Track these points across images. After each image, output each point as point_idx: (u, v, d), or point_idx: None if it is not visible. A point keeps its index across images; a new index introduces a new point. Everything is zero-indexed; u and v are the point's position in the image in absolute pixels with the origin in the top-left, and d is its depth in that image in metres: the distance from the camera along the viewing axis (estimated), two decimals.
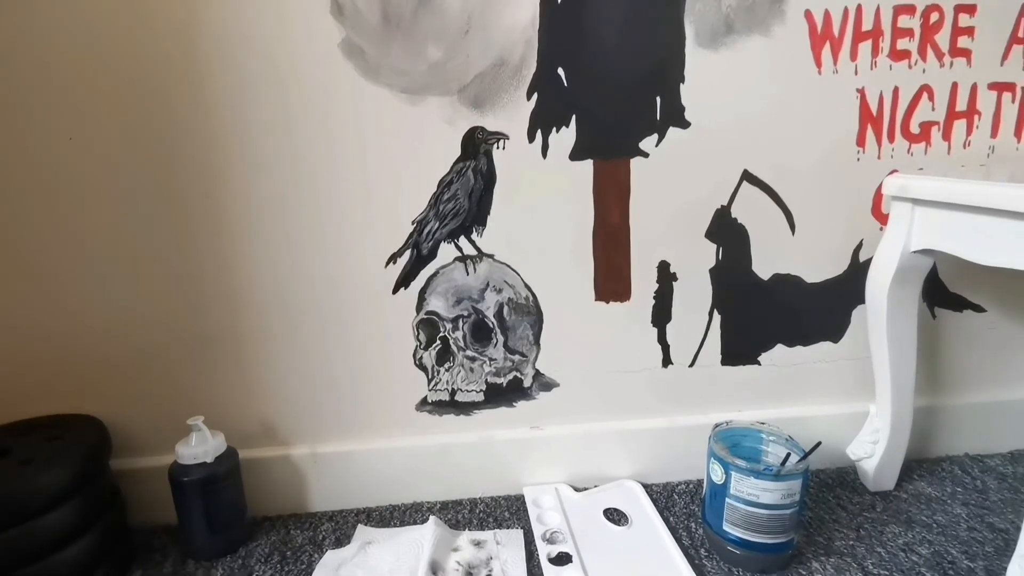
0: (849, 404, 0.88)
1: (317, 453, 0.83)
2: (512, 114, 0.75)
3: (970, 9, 0.77)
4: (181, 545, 0.76)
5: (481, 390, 0.84)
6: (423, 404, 0.84)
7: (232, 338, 0.79)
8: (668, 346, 0.85)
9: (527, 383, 0.85)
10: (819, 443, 0.72)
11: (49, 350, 0.77)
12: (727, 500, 0.68)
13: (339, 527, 0.80)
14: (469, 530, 0.78)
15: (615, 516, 0.79)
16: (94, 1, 0.68)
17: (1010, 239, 0.59)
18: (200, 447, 0.73)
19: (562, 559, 0.71)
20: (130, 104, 0.71)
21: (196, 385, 0.80)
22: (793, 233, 0.82)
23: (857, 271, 0.84)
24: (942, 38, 0.78)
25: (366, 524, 0.80)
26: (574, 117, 0.76)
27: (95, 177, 0.73)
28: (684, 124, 0.77)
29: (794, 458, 0.70)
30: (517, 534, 0.77)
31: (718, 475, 0.69)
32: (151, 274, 0.76)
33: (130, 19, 0.69)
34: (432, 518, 0.77)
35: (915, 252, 0.72)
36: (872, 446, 0.83)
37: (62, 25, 0.69)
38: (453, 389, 0.84)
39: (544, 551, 0.73)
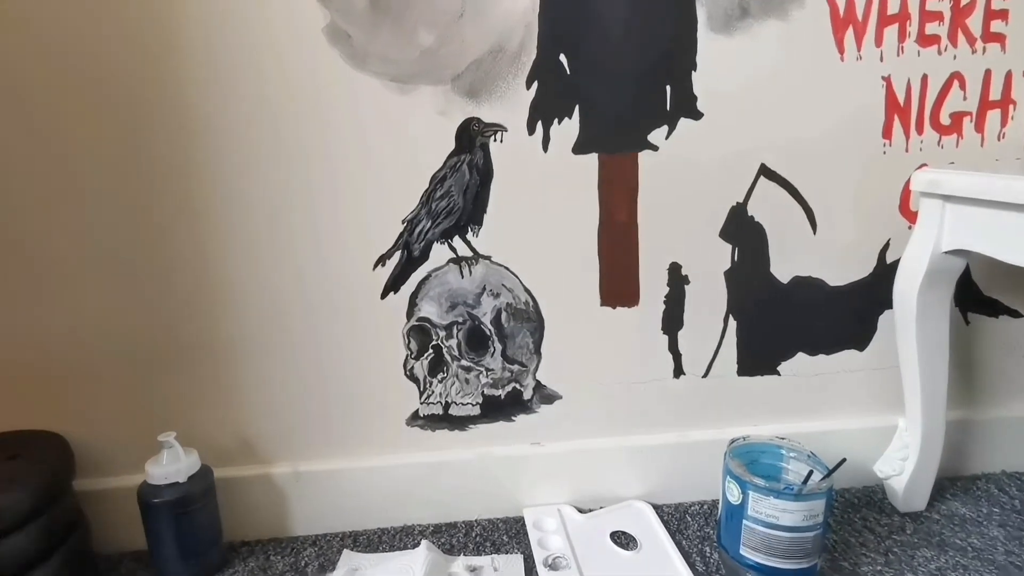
0: (876, 417, 0.89)
1: (299, 472, 0.83)
2: (510, 104, 0.76)
3: None
4: (151, 572, 0.76)
5: (477, 403, 0.85)
6: (414, 418, 0.84)
7: (207, 347, 0.79)
8: (680, 355, 0.85)
9: (527, 395, 0.85)
10: (844, 460, 0.72)
11: (8, 361, 0.77)
12: (744, 522, 0.68)
13: (323, 552, 0.80)
14: (464, 555, 0.78)
15: (623, 540, 0.80)
16: None
17: None
18: (172, 466, 0.73)
19: None
20: (98, 97, 0.71)
21: (168, 398, 0.80)
22: (815, 232, 0.83)
23: (884, 273, 0.84)
24: (974, 22, 0.78)
25: (352, 549, 0.81)
26: (577, 108, 0.77)
27: (57, 174, 0.73)
28: (696, 115, 0.78)
29: (817, 476, 0.70)
30: (516, 560, 0.77)
31: (734, 495, 0.70)
32: (119, 278, 0.76)
33: (100, 7, 0.69)
34: (424, 542, 0.78)
35: (946, 253, 0.73)
36: (901, 463, 0.83)
37: (25, 13, 0.69)
38: (447, 402, 0.84)
39: None
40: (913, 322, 0.76)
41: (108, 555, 0.79)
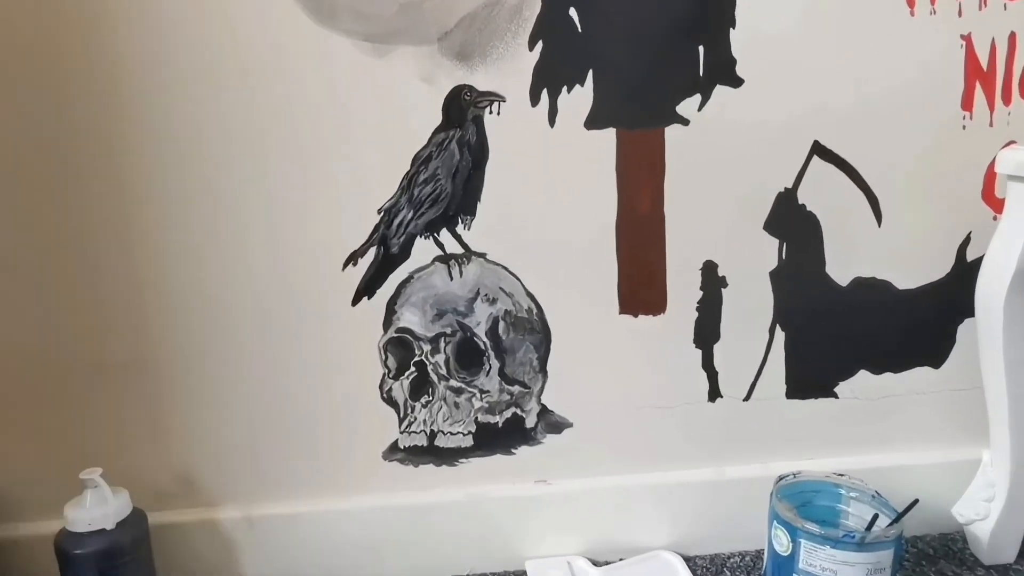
0: (955, 450, 0.88)
1: (252, 517, 0.82)
2: (509, 69, 0.75)
3: None
4: None
5: (469, 432, 0.84)
6: (393, 451, 0.84)
7: (139, 366, 0.78)
8: (716, 373, 0.85)
9: (530, 422, 0.84)
10: (916, 501, 0.71)
11: None
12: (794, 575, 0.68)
13: None
14: None
15: None
16: None
17: None
18: (97, 509, 0.72)
19: None
20: (7, 56, 0.71)
21: (91, 427, 0.79)
22: (879, 224, 0.82)
23: (964, 274, 0.84)
24: None
25: None
26: (591, 73, 0.76)
27: None
28: (736, 82, 0.77)
29: (883, 521, 0.69)
30: None
31: (783, 544, 0.69)
32: (26, 281, 0.75)
33: None
34: None
35: None
36: (986, 505, 0.83)
37: None
38: (433, 431, 0.84)
39: None
40: (1000, 334, 0.76)
41: None
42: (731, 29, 0.76)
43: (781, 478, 0.75)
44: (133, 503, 0.76)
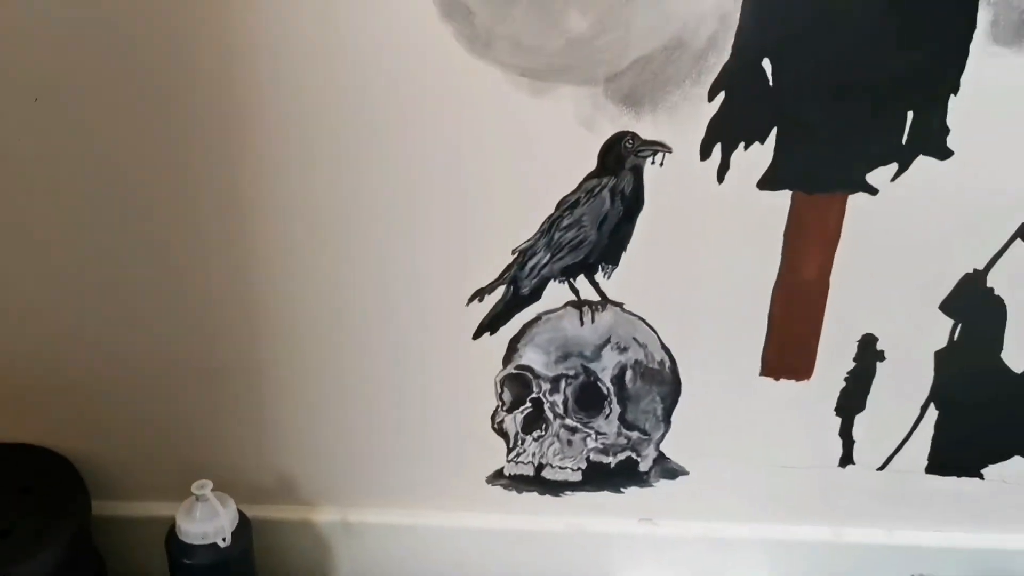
0: None
1: (349, 522, 1.07)
2: (681, 118, 0.86)
3: None
4: None
5: (579, 468, 1.05)
6: (497, 477, 1.06)
7: (249, 367, 0.99)
8: (852, 441, 1.03)
9: (644, 467, 1.05)
10: None
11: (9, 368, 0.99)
12: None
13: None
14: None
15: None
16: None
17: None
18: (208, 524, 0.97)
19: None
20: (127, 58, 0.84)
21: (196, 420, 1.02)
22: None
23: None
24: None
25: None
26: (775, 130, 0.87)
27: (70, 162, 0.88)
28: (944, 153, 0.88)
29: None
30: None
31: None
32: (145, 281, 0.94)
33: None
34: None
35: None
36: None
37: None
38: (540, 463, 1.05)
39: None
40: None
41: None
42: (952, 95, 0.86)
43: None
44: (235, 498, 1.01)
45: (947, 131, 0.87)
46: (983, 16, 0.82)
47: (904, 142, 0.88)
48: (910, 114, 0.86)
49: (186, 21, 0.83)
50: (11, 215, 0.91)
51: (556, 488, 1.07)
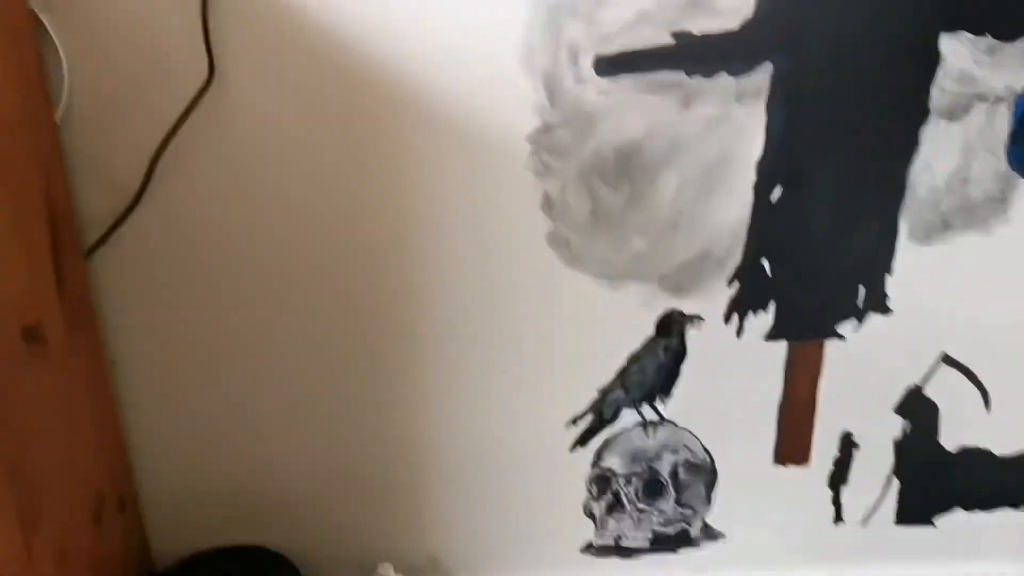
0: (1021, 566, 1.48)
1: None
2: (711, 298, 1.28)
3: None
4: None
5: (647, 538, 1.45)
6: (588, 547, 1.45)
7: (412, 482, 1.39)
8: (841, 505, 1.44)
9: (694, 534, 1.45)
10: None
11: (232, 483, 1.37)
12: None
13: None
14: None
15: None
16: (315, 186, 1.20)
17: None
18: None
19: None
20: (336, 274, 1.25)
21: (376, 521, 1.41)
22: (988, 410, 1.37)
23: None
24: None
25: None
26: (774, 303, 1.28)
27: (295, 342, 1.28)
28: (886, 311, 1.29)
29: None
30: None
31: None
32: (344, 418, 1.34)
33: (348, 211, 1.21)
34: None
35: None
36: None
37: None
38: (619, 536, 1.45)
39: None
40: None
41: None
42: (887, 275, 1.27)
43: None
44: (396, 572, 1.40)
45: (886, 296, 1.29)
46: (902, 227, 1.24)
47: (860, 305, 1.29)
48: (861, 288, 1.28)
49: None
50: (260, 384, 1.31)
51: (630, 553, 1.46)
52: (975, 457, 1.40)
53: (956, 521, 1.46)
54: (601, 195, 1.20)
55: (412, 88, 1.14)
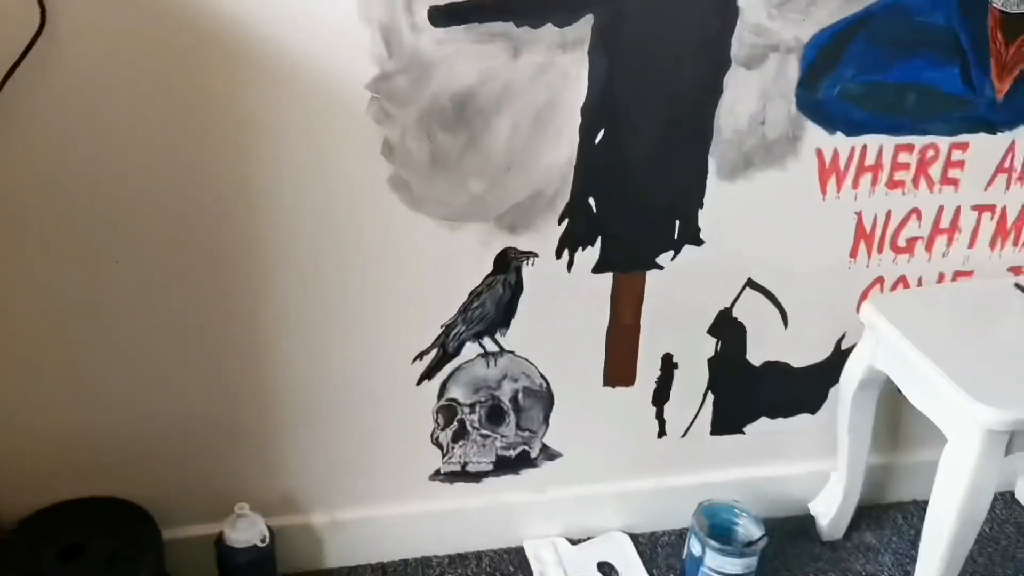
0: (819, 465, 1.67)
1: (336, 520, 1.52)
2: (544, 236, 1.37)
3: (963, 146, 1.44)
4: None
5: (491, 461, 1.55)
6: (436, 475, 1.54)
7: (264, 424, 1.42)
8: (664, 421, 1.58)
9: (534, 455, 1.56)
10: (771, 533, 1.49)
11: (84, 438, 1.37)
12: (702, 569, 1.46)
13: None
14: None
15: (607, 570, 1.57)
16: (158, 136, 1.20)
17: (929, 399, 1.34)
18: (250, 532, 1.40)
19: None
20: (181, 222, 1.25)
21: (231, 465, 1.44)
22: (786, 328, 1.54)
23: (839, 357, 1.58)
24: (935, 170, 1.45)
25: None
26: (600, 238, 1.39)
27: (143, 294, 1.29)
28: (698, 242, 1.43)
29: (757, 534, 1.47)
30: None
31: (697, 549, 1.46)
32: (193, 365, 1.35)
33: (189, 155, 1.22)
34: None
35: (876, 367, 1.46)
36: (828, 505, 1.64)
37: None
38: (465, 462, 1.54)
39: None
40: (847, 412, 1.52)
41: None
42: (699, 209, 1.40)
43: (701, 503, 1.52)
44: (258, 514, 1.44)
45: (699, 229, 1.42)
46: (711, 166, 1.37)
47: (675, 238, 1.42)
48: (678, 222, 1.41)
49: (221, 197, 1.26)
50: (103, 335, 1.31)
51: (476, 477, 1.56)
52: (777, 370, 1.58)
53: (762, 428, 1.63)
54: (440, 140, 1.27)
55: (251, 39, 1.16)
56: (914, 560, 1.42)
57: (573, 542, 1.63)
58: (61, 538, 1.32)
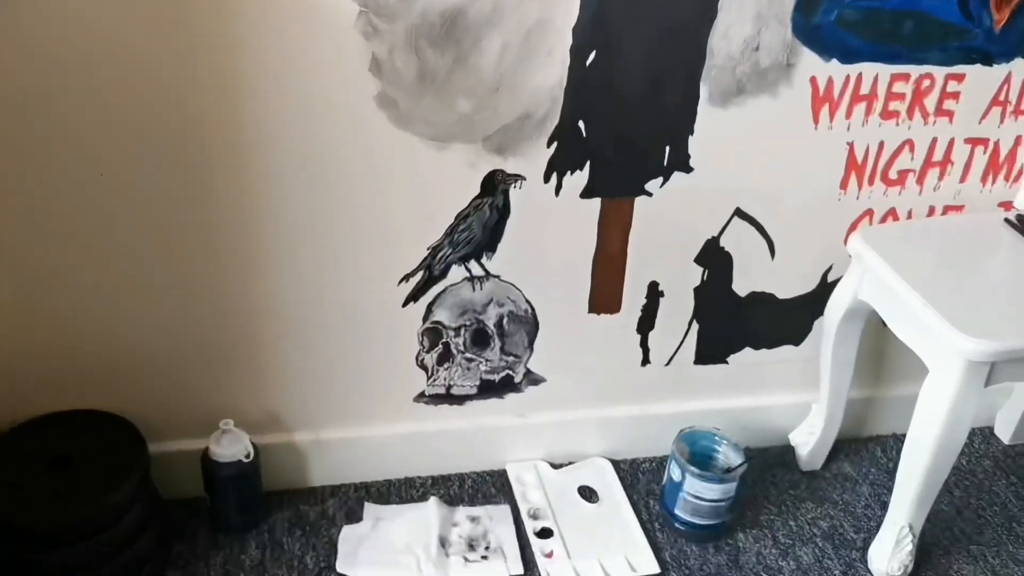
0: (801, 396, 1.68)
1: (319, 439, 1.53)
2: (532, 159, 1.35)
3: (959, 77, 1.42)
4: (211, 521, 1.47)
5: (475, 385, 1.55)
6: (420, 397, 1.55)
7: (252, 341, 1.42)
8: (648, 349, 1.58)
9: (518, 379, 1.56)
10: (750, 460, 1.51)
11: (71, 351, 1.37)
12: (681, 494, 1.48)
13: (343, 503, 1.54)
14: (463, 506, 1.55)
15: (587, 493, 1.59)
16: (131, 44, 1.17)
17: (913, 330, 1.34)
18: (234, 447, 1.41)
19: (545, 533, 1.51)
20: (166, 140, 1.24)
21: (220, 380, 1.44)
22: (772, 258, 1.53)
23: (824, 289, 1.57)
24: (930, 101, 1.43)
25: (366, 498, 1.55)
26: (589, 162, 1.38)
27: (129, 209, 1.27)
28: (688, 169, 1.41)
29: (737, 461, 1.49)
30: (505, 510, 1.54)
31: (677, 474, 1.48)
32: (178, 287, 1.35)
33: (173, 71, 1.19)
34: (432, 498, 1.53)
35: (861, 299, 1.46)
36: (809, 436, 1.65)
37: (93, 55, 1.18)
38: (449, 384, 1.54)
39: (530, 526, 1.51)
40: (831, 344, 1.52)
41: (167, 500, 1.48)
42: (690, 136, 1.39)
43: (682, 430, 1.53)
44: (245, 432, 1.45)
45: (689, 156, 1.40)
46: (703, 91, 1.35)
47: (665, 164, 1.41)
48: (667, 148, 1.39)
49: (201, 108, 1.24)
50: (88, 248, 1.30)
51: (460, 400, 1.57)
52: (762, 301, 1.58)
53: (745, 359, 1.64)
54: (428, 57, 1.24)
55: None
56: (891, 491, 1.44)
57: (555, 466, 1.64)
58: (48, 449, 1.34)
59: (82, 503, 1.27)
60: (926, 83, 1.42)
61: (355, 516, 1.52)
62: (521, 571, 1.44)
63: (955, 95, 1.44)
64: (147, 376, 1.42)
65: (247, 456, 1.42)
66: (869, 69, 1.39)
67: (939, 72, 1.41)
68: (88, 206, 1.26)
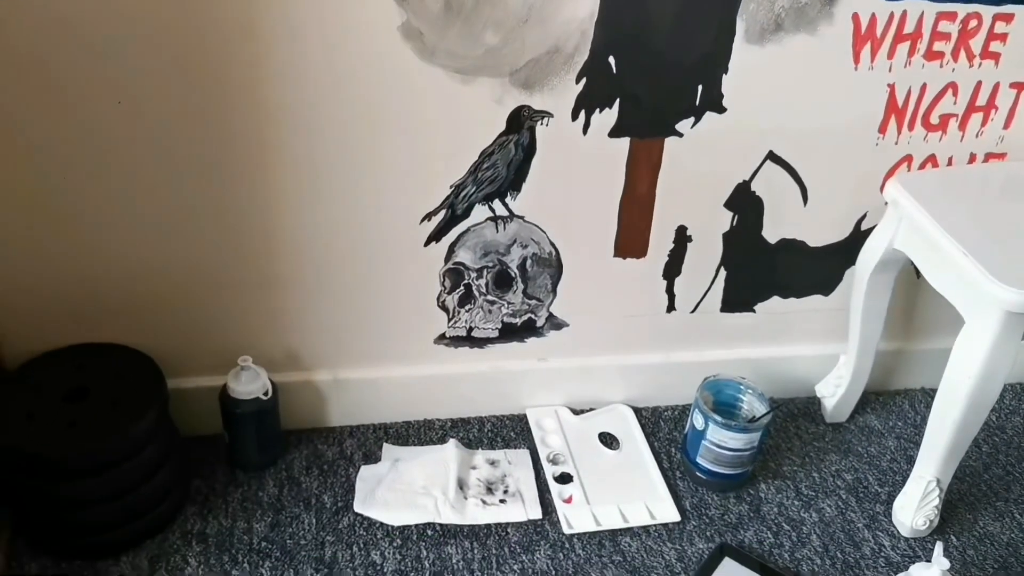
0: (828, 347, 1.64)
1: (338, 379, 1.51)
2: (560, 95, 1.31)
3: (1008, 17, 1.35)
4: (229, 458, 1.46)
5: (496, 328, 1.52)
6: (441, 339, 1.52)
7: (268, 280, 1.40)
8: (674, 295, 1.55)
9: (540, 323, 1.53)
10: (775, 409, 1.48)
11: (90, 284, 1.35)
12: (703, 442, 1.45)
13: (362, 443, 1.53)
14: (482, 449, 1.53)
15: (608, 440, 1.56)
16: None
17: (950, 279, 1.30)
18: (253, 384, 1.39)
19: (565, 478, 1.49)
20: (186, 70, 1.20)
21: (230, 319, 1.42)
22: (805, 204, 1.48)
23: (857, 237, 1.53)
24: (976, 42, 1.37)
25: (384, 439, 1.53)
26: (618, 100, 1.33)
27: (148, 139, 1.24)
28: (721, 110, 1.36)
29: (761, 411, 1.46)
30: (525, 454, 1.52)
31: (700, 423, 1.45)
32: (201, 222, 1.32)
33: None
34: (452, 440, 1.51)
35: (897, 248, 1.41)
36: (835, 388, 1.62)
37: None
38: (471, 327, 1.52)
39: (549, 471, 1.49)
40: (863, 294, 1.48)
41: (185, 437, 1.47)
42: (724, 75, 1.33)
43: (707, 378, 1.49)
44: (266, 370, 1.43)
45: (722, 96, 1.35)
46: (739, 27, 1.29)
47: (697, 103, 1.36)
48: (700, 86, 1.34)
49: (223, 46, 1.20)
50: (122, 191, 1.27)
51: (481, 343, 1.54)
52: (793, 248, 1.53)
53: (773, 308, 1.60)
54: None
55: None
56: (918, 445, 1.41)
57: (576, 412, 1.62)
58: (66, 381, 1.33)
59: (97, 434, 1.26)
60: (973, 23, 1.35)
61: (373, 456, 1.51)
62: (540, 516, 1.43)
63: (1003, 36, 1.37)
64: (166, 311, 1.40)
65: (265, 393, 1.41)
66: (915, 6, 1.32)
67: (987, 11, 1.34)
68: (106, 136, 1.23)
